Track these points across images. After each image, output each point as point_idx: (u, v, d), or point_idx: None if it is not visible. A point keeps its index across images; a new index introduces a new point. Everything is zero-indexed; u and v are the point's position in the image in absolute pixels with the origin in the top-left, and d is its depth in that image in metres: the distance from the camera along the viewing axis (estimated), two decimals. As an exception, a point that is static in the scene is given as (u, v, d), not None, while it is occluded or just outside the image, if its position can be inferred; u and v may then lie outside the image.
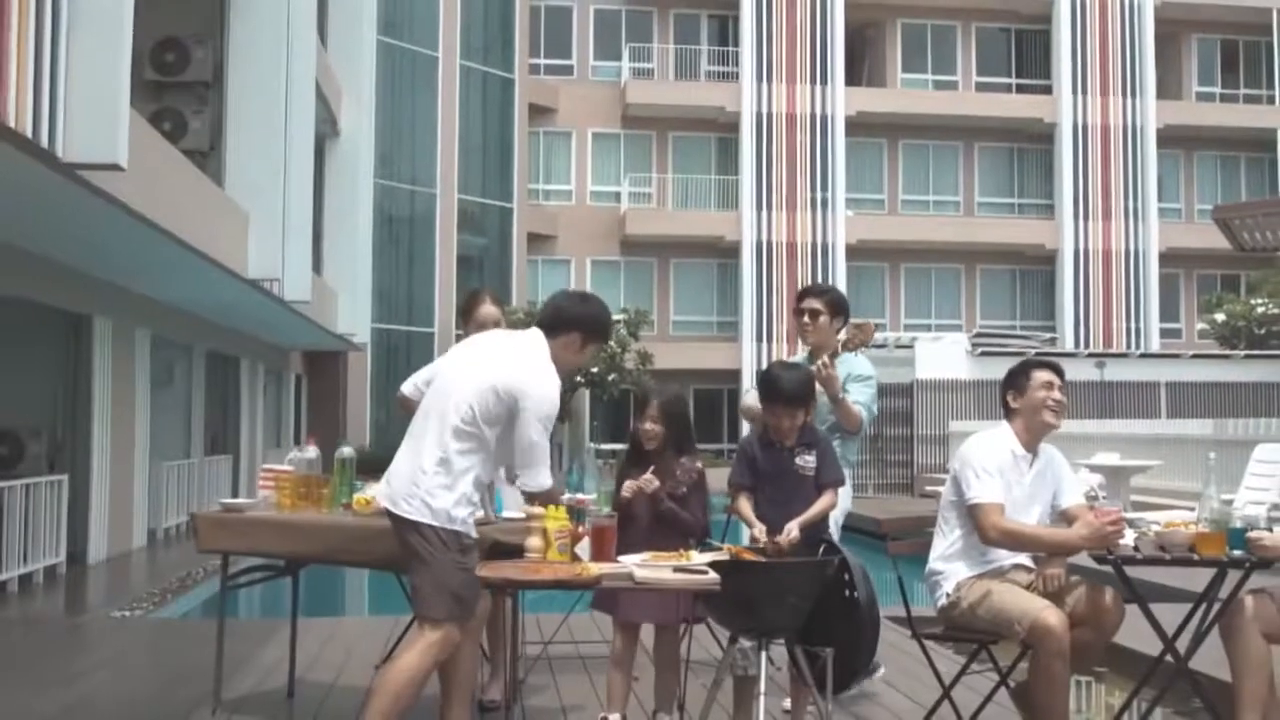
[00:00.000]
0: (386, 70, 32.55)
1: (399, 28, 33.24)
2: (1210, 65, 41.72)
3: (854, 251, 37.82)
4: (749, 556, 4.58)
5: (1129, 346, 36.97)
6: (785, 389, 5.08)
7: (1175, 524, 4.82)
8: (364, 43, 25.11)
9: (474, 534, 4.48)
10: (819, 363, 5.71)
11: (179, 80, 15.54)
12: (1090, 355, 29.76)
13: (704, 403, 37.06)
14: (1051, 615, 4.58)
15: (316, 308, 19.54)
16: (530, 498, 4.47)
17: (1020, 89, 40.31)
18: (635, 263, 38.69)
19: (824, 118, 37.85)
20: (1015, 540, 4.84)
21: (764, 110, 37.82)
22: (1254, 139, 39.93)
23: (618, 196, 38.84)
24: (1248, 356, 29.25)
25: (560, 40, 39.19)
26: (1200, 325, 36.00)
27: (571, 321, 4.69)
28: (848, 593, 4.66)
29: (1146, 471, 16.09)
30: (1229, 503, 12.15)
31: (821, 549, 4.74)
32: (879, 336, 29.13)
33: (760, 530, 4.84)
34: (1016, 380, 5.08)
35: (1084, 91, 39.06)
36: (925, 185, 40.05)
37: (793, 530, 4.82)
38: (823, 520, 5.08)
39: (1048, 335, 34.80)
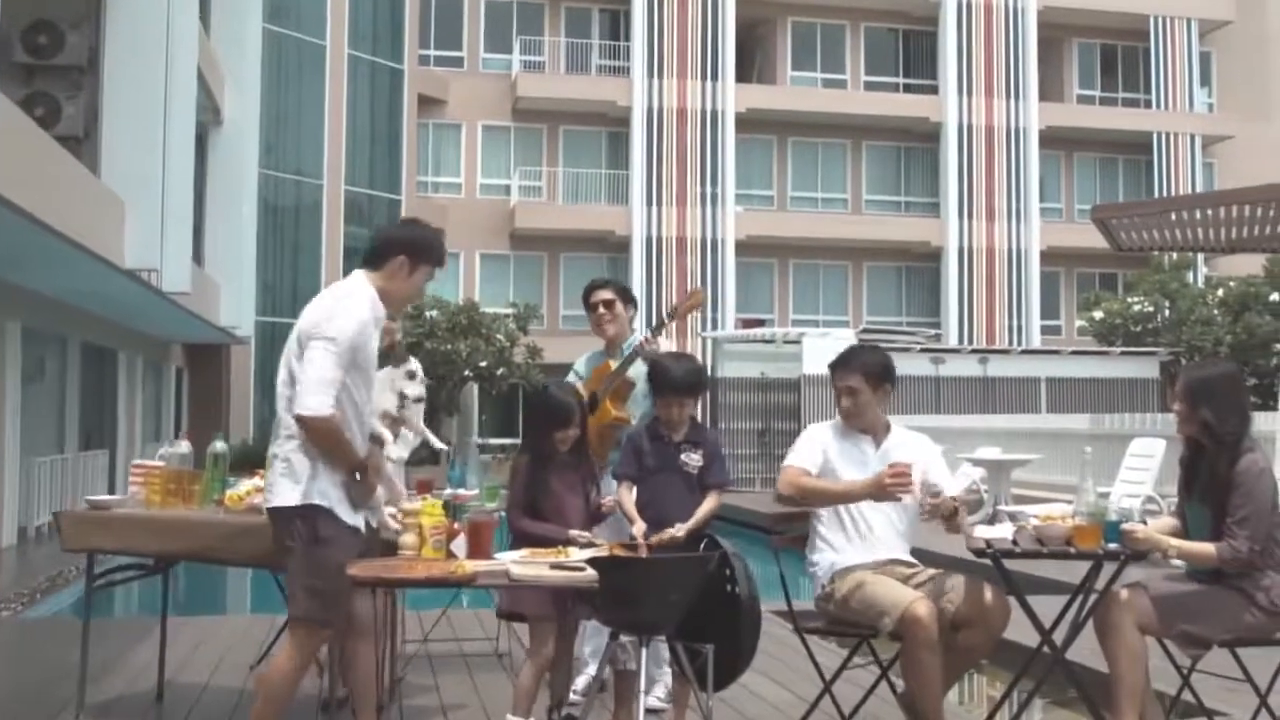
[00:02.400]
0: (272, 59, 31.85)
1: (285, 15, 32.58)
2: (1090, 69, 42.61)
3: (743, 247, 37.94)
4: (622, 553, 4.54)
5: (1011, 343, 37.59)
6: (676, 378, 5.04)
7: (1053, 517, 4.87)
8: (249, 30, 24.64)
9: (347, 524, 4.29)
10: (645, 335, 5.80)
11: (52, 64, 15.11)
12: (974, 351, 30.22)
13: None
14: (921, 606, 4.60)
15: (197, 299, 19.11)
16: (304, 429, 4.18)
17: (908, 89, 40.75)
18: (525, 257, 38.44)
19: (714, 114, 37.89)
20: (803, 492, 4.98)
21: (655, 105, 37.79)
22: (1132, 141, 40.90)
23: (507, 190, 38.57)
24: (1124, 353, 29.92)
25: (450, 31, 38.74)
26: (1079, 323, 36.72)
27: (394, 244, 4.52)
28: (730, 588, 4.63)
29: (1026, 465, 16.36)
30: (1105, 496, 12.41)
31: (703, 544, 4.70)
32: (765, 332, 29.32)
33: (640, 528, 4.79)
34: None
35: (969, 92, 39.61)
36: (814, 182, 40.31)
37: (680, 531, 4.78)
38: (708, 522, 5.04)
39: (933, 331, 35.29)
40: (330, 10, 33.88)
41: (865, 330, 30.51)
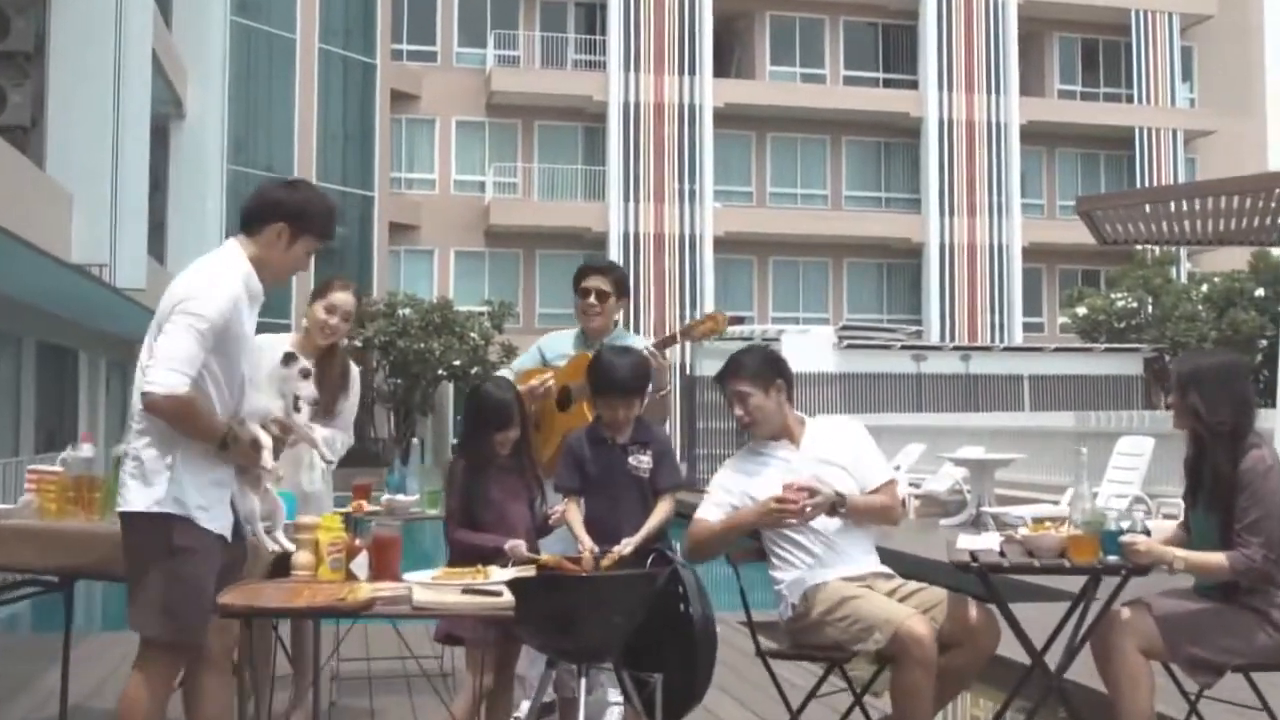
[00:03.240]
0: (241, 52, 31.33)
1: (254, 9, 32.01)
2: (1072, 64, 42.26)
3: (722, 244, 37.48)
4: (569, 568, 4.01)
5: (993, 340, 37.22)
6: (618, 376, 4.51)
7: (1044, 525, 4.36)
8: (212, 21, 24.09)
9: (210, 531, 3.80)
10: (646, 348, 5.13)
11: (-2, 50, 14.50)
12: (955, 348, 29.83)
13: None
14: (918, 623, 4.09)
15: (156, 296, 18.50)
16: (153, 411, 3.71)
17: (888, 83, 40.31)
18: (500, 254, 37.93)
19: (692, 109, 37.40)
20: (698, 545, 4.55)
21: (631, 100, 37.29)
22: (1113, 136, 40.58)
23: (482, 186, 38.08)
24: (1107, 350, 29.54)
25: (423, 25, 38.17)
26: (1062, 319, 36.37)
27: (273, 209, 3.99)
28: (681, 608, 4.11)
29: (1010, 465, 15.89)
30: (1094, 496, 11.86)
31: (650, 559, 4.17)
32: (745, 329, 28.84)
33: (589, 546, 4.28)
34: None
35: (950, 87, 39.20)
36: (793, 178, 39.89)
37: (628, 546, 4.26)
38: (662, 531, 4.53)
39: (913, 328, 34.88)
40: (300, 4, 33.36)
41: (845, 327, 30.04)
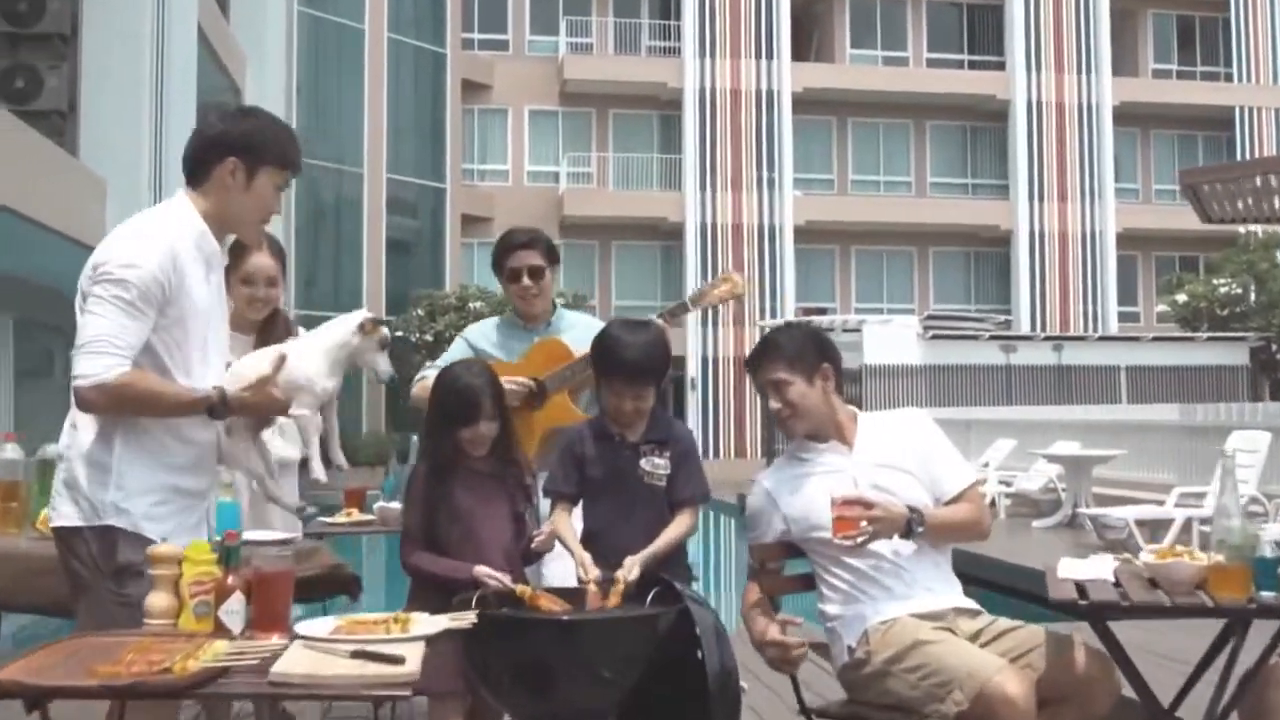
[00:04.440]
0: (310, 44, 31.09)
1: (322, -1, 31.62)
2: (1167, 42, 40.55)
3: (802, 233, 36.37)
4: (545, 604, 3.10)
5: (1086, 329, 35.77)
6: (628, 357, 3.58)
7: (1174, 551, 3.36)
8: (271, 9, 23.56)
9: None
10: (657, 317, 4.25)
11: (33, 32, 13.96)
12: (1047, 338, 28.64)
13: None
14: (1011, 679, 3.10)
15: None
16: (84, 407, 3.07)
17: (973, 65, 38.90)
18: (575, 246, 37.06)
19: (770, 94, 36.31)
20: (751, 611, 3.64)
21: (708, 86, 36.27)
22: (1212, 117, 38.86)
23: (556, 177, 37.29)
24: (1210, 339, 28.09)
25: (495, 14, 37.50)
26: (1160, 307, 34.86)
27: (214, 145, 3.25)
28: (699, 654, 3.17)
29: (1109, 461, 14.71)
30: (1200, 497, 10.58)
31: (651, 593, 3.23)
32: (825, 319, 27.81)
33: (589, 568, 3.36)
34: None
35: (1038, 68, 37.77)
36: (876, 165, 38.67)
37: (633, 570, 3.34)
38: (677, 551, 3.60)
39: (1002, 318, 33.61)
40: (369, -7, 32.85)
41: (930, 317, 28.91)
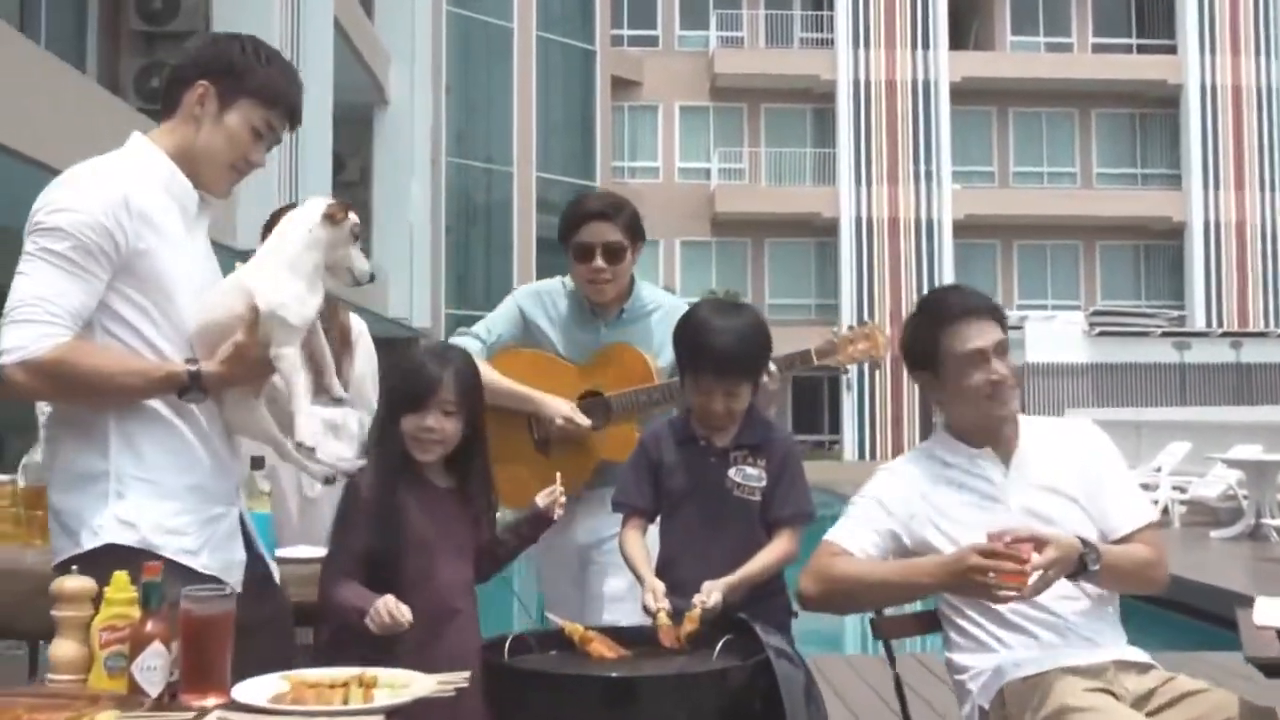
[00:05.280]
0: (459, 43, 31.13)
1: (471, -1, 31.65)
2: (1354, 19, 38.35)
3: (962, 228, 35.25)
4: (598, 650, 2.50)
5: (1268, 325, 33.89)
6: (720, 346, 2.92)
7: None
8: (417, 9, 23.46)
9: (192, 571, 2.51)
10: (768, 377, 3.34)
11: (168, 30, 13.87)
12: (1224, 334, 27.15)
13: (803, 391, 35.24)
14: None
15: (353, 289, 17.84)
16: (11, 390, 2.43)
17: (1142, 49, 37.31)
18: (727, 243, 36.64)
19: (927, 85, 35.33)
20: (830, 591, 2.93)
21: (862, 78, 35.42)
22: (1404, 98, 36.61)
23: (707, 173, 36.85)
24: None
25: (644, 9, 37.26)
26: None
27: (186, 69, 2.66)
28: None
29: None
30: None
31: (722, 642, 2.59)
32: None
33: (659, 597, 2.75)
34: (921, 341, 3.00)
35: (1213, 50, 35.99)
36: (1039, 156, 37.30)
37: (713, 595, 2.72)
38: (774, 583, 2.97)
39: (1175, 314, 32.01)
40: (518, -9, 32.77)
41: (1097, 313, 27.60)
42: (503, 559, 2.99)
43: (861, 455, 33.51)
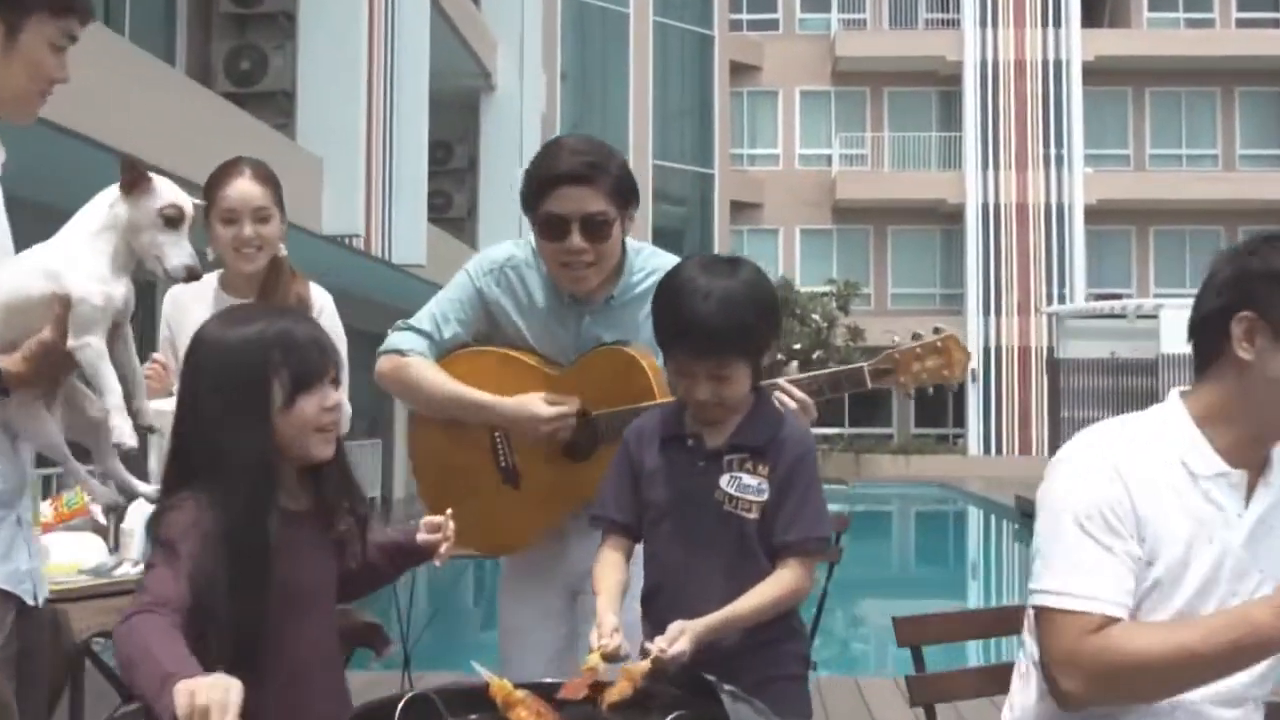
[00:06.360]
0: (574, 28, 30.88)
1: (588, -16, 31.37)
2: None
3: (1094, 214, 33.89)
4: (526, 717, 1.91)
5: None
6: (698, 314, 2.31)
7: None
8: (525, -7, 23.19)
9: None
10: (785, 382, 2.77)
11: (258, 11, 13.68)
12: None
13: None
14: None
15: (440, 271, 17.62)
16: None
17: (1289, 24, 35.64)
18: (849, 230, 35.79)
19: (1058, 64, 33.99)
20: (1119, 681, 2.01)
21: (989, 59, 34.21)
22: None
23: (829, 159, 35.99)
24: None
25: (764, -8, 36.67)
26: None
27: None
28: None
29: None
30: None
31: (674, 717, 1.98)
32: (1117, 304, 25.60)
33: (604, 630, 2.17)
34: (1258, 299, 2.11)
35: (1366, 24, 34.22)
36: (1177, 137, 35.76)
37: (678, 642, 2.12)
38: (780, 626, 2.37)
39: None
40: (634, -24, 32.40)
41: (1239, 301, 26.21)
42: (371, 587, 2.42)
43: (986, 450, 32.47)
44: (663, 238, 33.12)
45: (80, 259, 2.24)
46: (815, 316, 29.92)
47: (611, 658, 2.11)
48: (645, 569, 2.44)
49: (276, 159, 11.74)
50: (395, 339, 2.98)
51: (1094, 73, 34.12)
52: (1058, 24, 34.14)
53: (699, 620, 2.18)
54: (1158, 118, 35.85)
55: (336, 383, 2.18)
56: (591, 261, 2.85)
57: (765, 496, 2.35)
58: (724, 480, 2.36)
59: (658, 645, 2.09)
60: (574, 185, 2.79)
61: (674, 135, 33.70)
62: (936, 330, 2.93)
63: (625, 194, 2.87)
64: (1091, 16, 35.13)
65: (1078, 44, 34.11)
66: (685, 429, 2.42)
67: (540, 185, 2.83)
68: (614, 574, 2.38)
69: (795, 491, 2.36)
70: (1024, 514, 20.03)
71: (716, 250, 33.10)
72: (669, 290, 2.40)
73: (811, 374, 2.83)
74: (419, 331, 2.98)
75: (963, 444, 33.20)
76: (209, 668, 1.74)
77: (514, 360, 2.95)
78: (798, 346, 29.65)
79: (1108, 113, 35.31)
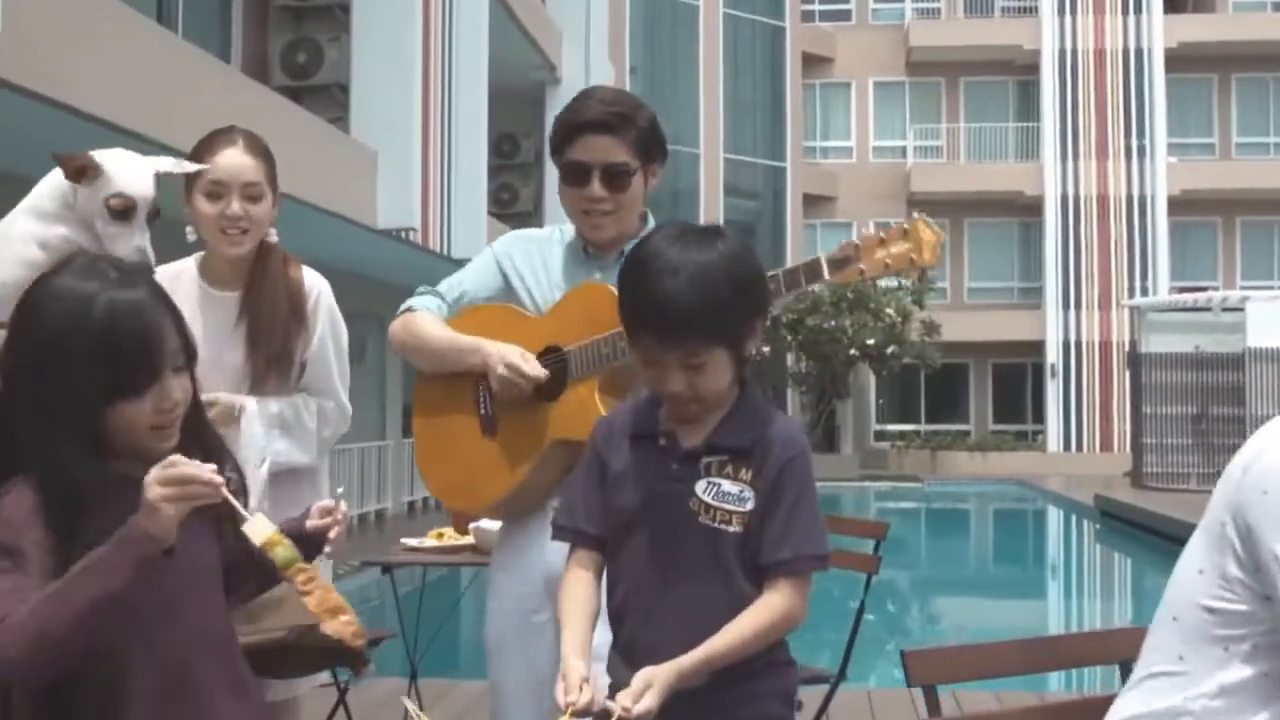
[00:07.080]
0: (642, 21, 30.77)
1: (658, -24, 31.21)
2: None
3: (1177, 204, 33.08)
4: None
5: None
6: (662, 291, 2.01)
7: None
8: (591, -14, 23.03)
9: None
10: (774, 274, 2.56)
11: (314, 5, 13.63)
12: None
13: (1003, 379, 34.20)
14: None
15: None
16: None
17: (1382, 6, 34.57)
18: (924, 224, 35.25)
19: (1139, 52, 33.25)
20: None
21: (1068, 47, 33.52)
22: None
23: (903, 151, 35.47)
24: None
25: (836, -18, 36.25)
26: None
27: None
28: None
29: None
30: None
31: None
32: (1201, 297, 24.92)
33: (572, 689, 1.89)
34: None
35: None
36: (1264, 125, 34.78)
37: (645, 698, 1.85)
38: (759, 660, 2.04)
39: None
40: (704, -34, 32.15)
41: (1330, 294, 25.36)
42: (262, 580, 2.09)
43: (1066, 447, 31.85)
44: (737, 232, 32.90)
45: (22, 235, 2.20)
46: (889, 311, 29.45)
47: (583, 714, 1.85)
48: (609, 578, 2.14)
49: (331, 152, 11.82)
50: (409, 301, 3.01)
51: (1176, 60, 33.30)
52: (1139, 11, 33.38)
53: (669, 666, 1.88)
54: (1243, 105, 34.95)
55: (183, 369, 1.89)
56: (609, 210, 2.82)
57: (749, 506, 2.03)
58: (700, 486, 2.05)
59: (620, 704, 1.81)
60: (599, 134, 2.78)
61: (745, 128, 33.42)
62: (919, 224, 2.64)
63: (650, 147, 2.85)
64: (1174, 2, 34.32)
65: (1160, 31, 33.33)
66: (658, 424, 2.13)
67: (566, 132, 2.82)
68: (582, 605, 2.06)
69: (785, 501, 2.04)
70: (1103, 513, 19.49)
71: (789, 246, 32.87)
72: (633, 264, 2.09)
73: (770, 273, 2.47)
74: (433, 293, 3.00)
75: (1042, 440, 32.60)
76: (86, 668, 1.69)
77: (513, 312, 2.93)
78: (871, 341, 29.29)
79: (1191, 101, 34.50)
